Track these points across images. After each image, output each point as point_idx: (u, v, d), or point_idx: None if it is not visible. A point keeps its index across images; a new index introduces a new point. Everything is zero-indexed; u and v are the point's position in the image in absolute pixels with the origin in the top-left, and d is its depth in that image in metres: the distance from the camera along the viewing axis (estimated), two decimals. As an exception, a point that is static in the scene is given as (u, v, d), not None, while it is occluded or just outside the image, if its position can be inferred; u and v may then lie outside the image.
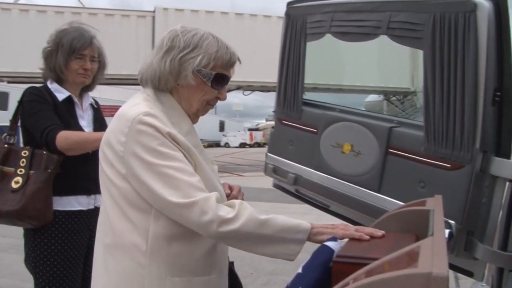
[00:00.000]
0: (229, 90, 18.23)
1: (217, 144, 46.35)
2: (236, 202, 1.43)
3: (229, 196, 1.68)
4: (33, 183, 2.19)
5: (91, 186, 2.35)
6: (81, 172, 2.33)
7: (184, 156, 1.44)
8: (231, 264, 1.74)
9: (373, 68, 18.73)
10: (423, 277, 0.76)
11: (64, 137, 2.22)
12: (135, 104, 1.50)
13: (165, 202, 1.38)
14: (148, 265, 1.45)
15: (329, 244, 1.29)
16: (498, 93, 1.97)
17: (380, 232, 1.38)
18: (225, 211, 1.38)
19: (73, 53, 2.37)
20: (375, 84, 20.10)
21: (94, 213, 2.37)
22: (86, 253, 2.41)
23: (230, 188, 1.74)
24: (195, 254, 1.49)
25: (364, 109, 2.45)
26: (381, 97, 23.67)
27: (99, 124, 2.51)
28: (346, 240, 1.38)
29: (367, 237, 1.37)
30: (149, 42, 18.70)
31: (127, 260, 1.47)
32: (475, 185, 2.03)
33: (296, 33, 2.68)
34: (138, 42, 18.69)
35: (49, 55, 2.39)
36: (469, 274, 2.24)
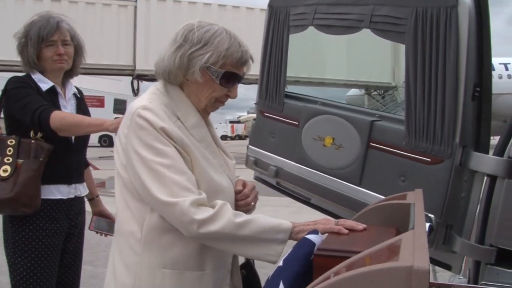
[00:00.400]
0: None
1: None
2: (218, 203, 1.42)
3: (240, 193, 1.64)
4: (25, 171, 2.19)
5: (72, 175, 2.37)
6: (63, 161, 2.34)
7: (177, 151, 1.43)
8: (251, 261, 1.75)
9: (354, 62, 18.82)
10: (404, 270, 0.76)
11: (60, 116, 2.22)
12: (141, 97, 1.54)
13: (152, 198, 1.41)
14: (141, 254, 1.48)
15: (310, 237, 1.29)
16: (478, 89, 1.99)
17: (360, 226, 1.39)
18: (202, 214, 1.38)
19: (43, 42, 2.33)
20: (357, 78, 20.21)
21: (73, 202, 2.40)
22: (64, 241, 2.41)
23: (244, 185, 1.68)
24: (188, 249, 1.49)
25: (345, 103, 2.46)
26: (362, 91, 23.84)
27: (82, 114, 2.49)
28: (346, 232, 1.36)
29: (346, 231, 1.36)
30: (130, 32, 18.45)
31: (125, 247, 1.52)
32: (454, 180, 2.05)
33: (279, 25, 2.66)
34: (119, 32, 18.41)
35: (22, 49, 2.38)
36: (447, 267, 2.27)
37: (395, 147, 2.18)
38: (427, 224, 1.14)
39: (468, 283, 2.05)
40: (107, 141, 29.46)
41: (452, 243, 2.10)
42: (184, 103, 1.54)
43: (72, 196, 2.39)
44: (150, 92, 1.56)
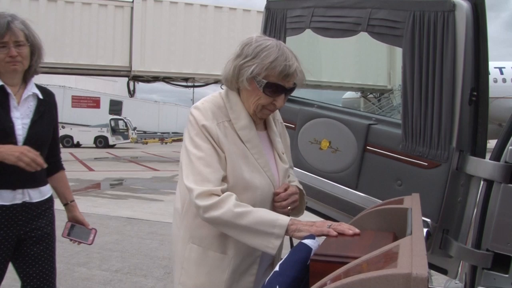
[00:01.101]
0: (207, 84, 18.08)
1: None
2: (225, 194, 1.57)
3: (277, 195, 1.74)
4: None
5: (17, 181, 2.27)
6: (5, 166, 2.21)
7: (213, 147, 1.62)
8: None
9: (351, 65, 18.88)
10: (403, 278, 0.75)
11: None
12: (202, 99, 1.77)
13: (183, 181, 1.63)
14: (179, 228, 1.77)
15: (307, 242, 1.28)
16: (475, 93, 1.99)
17: (351, 230, 1.39)
18: (207, 201, 1.55)
19: None
20: (353, 81, 20.25)
21: (22, 208, 2.30)
22: (18, 247, 2.36)
23: (285, 189, 1.76)
24: (213, 231, 1.68)
25: (342, 106, 2.44)
26: (358, 94, 23.89)
27: (40, 116, 2.38)
28: (324, 238, 1.37)
29: (335, 233, 1.41)
30: (126, 33, 18.40)
31: (174, 221, 1.83)
32: (451, 184, 2.05)
33: (276, 27, 2.65)
34: (115, 32, 18.38)
35: None
36: (444, 271, 2.27)
37: (391, 151, 2.18)
38: (425, 230, 1.13)
39: (465, 287, 2.04)
40: (102, 142, 29.37)
41: (448, 247, 2.09)
42: (238, 107, 1.72)
43: (19, 201, 2.29)
44: (212, 95, 1.77)
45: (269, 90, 1.65)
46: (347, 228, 1.40)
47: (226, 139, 1.65)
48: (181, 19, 18.58)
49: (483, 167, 1.97)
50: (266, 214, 1.55)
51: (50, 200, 2.48)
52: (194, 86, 20.07)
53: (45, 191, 2.44)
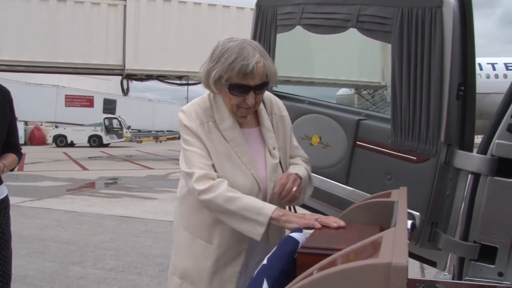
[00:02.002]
0: (198, 83, 18.28)
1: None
2: (219, 179, 1.67)
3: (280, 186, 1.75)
4: None
5: None
6: None
7: (201, 143, 1.74)
8: None
9: (345, 62, 18.91)
10: (383, 267, 0.77)
11: None
12: (190, 102, 1.89)
13: (182, 169, 1.76)
14: (175, 214, 1.93)
15: (294, 235, 1.29)
16: (462, 88, 2.01)
17: (336, 223, 1.41)
18: (202, 185, 1.66)
19: None
20: (347, 77, 20.29)
21: None
22: None
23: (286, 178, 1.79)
24: (201, 219, 1.79)
25: (333, 102, 2.46)
26: (352, 90, 23.96)
27: None
28: (311, 231, 1.39)
29: (319, 225, 1.44)
30: (120, 32, 18.34)
31: (175, 210, 1.95)
32: (439, 178, 2.08)
33: (267, 24, 2.66)
34: (108, 31, 18.32)
35: None
36: (433, 264, 2.30)
37: (381, 145, 2.20)
38: (409, 222, 1.15)
39: (453, 279, 2.07)
40: (96, 141, 29.27)
41: (437, 240, 2.12)
42: (222, 107, 1.79)
43: None
44: (201, 96, 1.86)
45: (234, 91, 1.69)
46: (333, 221, 1.43)
47: (209, 139, 1.74)
48: (175, 17, 18.55)
49: (470, 160, 1.99)
50: (252, 202, 1.62)
51: (6, 200, 2.44)
52: (188, 84, 20.07)
53: (0, 191, 2.41)
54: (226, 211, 1.63)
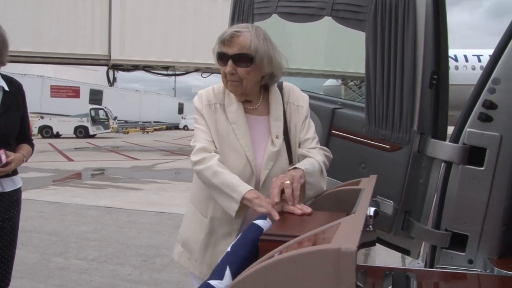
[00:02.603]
0: (188, 72, 17.95)
1: (175, 127, 45.74)
2: (211, 153, 1.78)
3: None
4: None
5: None
6: None
7: (204, 120, 1.86)
8: None
9: (332, 53, 18.88)
10: (334, 252, 0.77)
11: None
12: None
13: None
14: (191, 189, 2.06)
15: (258, 222, 1.29)
16: (435, 77, 2.02)
17: (300, 211, 1.43)
18: (196, 156, 1.78)
19: None
20: (333, 68, 20.26)
21: None
22: None
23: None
24: (201, 194, 1.92)
25: (309, 91, 2.43)
26: (339, 81, 23.99)
27: (6, 109, 2.34)
28: (277, 218, 1.39)
29: (277, 215, 1.46)
30: (105, 22, 18.10)
31: None
32: (412, 166, 2.09)
33: (244, 13, 2.64)
34: (94, 21, 18.08)
35: None
36: (406, 252, 2.31)
37: (356, 134, 2.20)
38: (372, 209, 1.15)
39: (425, 267, 2.09)
40: (82, 132, 29.00)
41: (410, 228, 2.14)
42: (232, 94, 1.90)
43: None
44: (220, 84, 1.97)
45: (218, 60, 1.83)
46: (299, 208, 1.43)
47: (212, 118, 1.86)
48: (161, 7, 18.35)
49: (442, 149, 2.00)
50: (232, 179, 1.70)
51: (18, 192, 2.48)
52: (175, 75, 19.91)
53: (17, 181, 2.46)
54: (212, 185, 1.73)
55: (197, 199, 1.97)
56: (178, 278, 4.27)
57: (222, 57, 1.81)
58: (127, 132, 33.66)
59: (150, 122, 37.87)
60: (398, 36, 1.99)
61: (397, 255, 4.23)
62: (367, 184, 1.42)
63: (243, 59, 1.77)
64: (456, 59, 24.84)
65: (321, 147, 1.96)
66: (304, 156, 1.87)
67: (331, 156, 1.94)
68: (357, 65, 21.30)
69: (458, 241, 1.97)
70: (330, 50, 18.34)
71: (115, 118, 31.09)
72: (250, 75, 1.80)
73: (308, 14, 2.32)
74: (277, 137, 1.86)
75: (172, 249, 2.16)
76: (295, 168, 1.71)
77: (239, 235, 1.30)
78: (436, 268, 1.97)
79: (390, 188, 2.10)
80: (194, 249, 1.95)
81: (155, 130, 36.00)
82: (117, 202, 7.86)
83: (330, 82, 25.39)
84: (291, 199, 1.54)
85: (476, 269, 1.94)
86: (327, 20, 2.34)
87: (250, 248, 1.21)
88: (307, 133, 1.94)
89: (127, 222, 6.49)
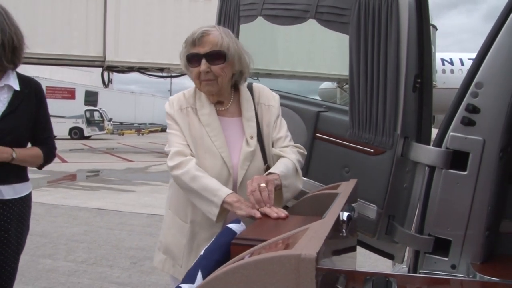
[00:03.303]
0: (182, 74, 17.75)
1: (171, 129, 45.56)
2: (188, 157, 1.77)
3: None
4: None
5: None
6: None
7: (176, 125, 1.87)
8: None
9: (327, 56, 18.88)
10: (294, 258, 0.76)
11: None
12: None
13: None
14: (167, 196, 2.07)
15: (231, 226, 1.28)
16: (419, 80, 2.01)
17: (276, 214, 1.43)
18: (173, 161, 1.77)
19: None
20: (329, 71, 20.26)
21: None
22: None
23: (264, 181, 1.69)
24: (178, 198, 1.91)
25: (294, 94, 2.42)
26: (335, 84, 23.99)
27: (13, 110, 2.25)
28: (251, 222, 1.38)
29: (259, 214, 1.47)
30: (100, 23, 18.06)
31: None
32: (396, 170, 2.07)
33: (230, 15, 2.63)
34: (88, 22, 18.03)
35: None
36: (390, 257, 2.30)
37: (340, 138, 2.19)
38: (345, 214, 1.14)
39: (408, 272, 2.08)
40: (77, 134, 28.91)
41: (393, 233, 2.12)
42: (203, 97, 1.91)
43: None
44: (193, 87, 1.96)
45: (190, 62, 1.83)
46: (274, 211, 1.42)
47: (185, 122, 1.86)
48: (156, 8, 18.33)
49: (425, 153, 1.99)
50: (212, 183, 1.69)
51: (27, 199, 2.35)
52: (170, 77, 19.89)
53: (20, 189, 2.32)
54: (190, 189, 1.72)
55: (174, 205, 1.96)
56: (166, 281, 4.24)
57: (193, 58, 1.82)
58: (122, 134, 33.62)
59: (145, 123, 37.82)
60: (381, 39, 1.99)
61: (387, 259, 4.22)
62: (344, 189, 1.41)
63: (216, 56, 1.79)
64: (451, 63, 24.95)
65: (295, 144, 1.96)
66: (278, 156, 1.87)
67: (305, 153, 1.94)
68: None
69: (442, 246, 1.96)
70: (325, 52, 18.34)
71: (110, 120, 31.04)
72: (224, 72, 1.82)
73: (292, 16, 2.31)
74: (251, 137, 1.87)
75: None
76: (270, 173, 1.71)
77: (213, 239, 1.28)
78: (419, 273, 1.95)
79: (374, 192, 2.09)
80: (177, 255, 1.92)
81: (150, 131, 35.95)
82: (109, 204, 7.82)
83: (325, 85, 25.42)
84: (268, 201, 1.53)
85: (459, 274, 1.93)
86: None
87: (223, 251, 1.19)
88: (280, 131, 1.94)
89: (118, 224, 6.46)
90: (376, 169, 2.09)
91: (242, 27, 2.64)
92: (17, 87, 2.27)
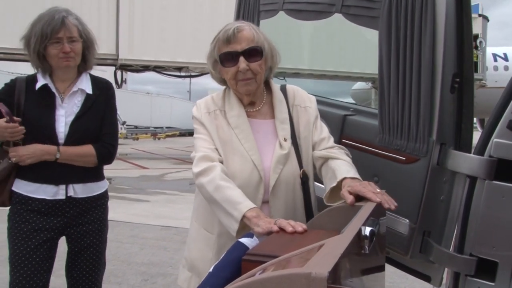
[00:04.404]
0: (203, 74, 17.78)
1: (190, 133, 45.90)
2: (215, 163, 1.81)
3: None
4: None
5: (58, 177, 2.49)
6: (46, 162, 2.46)
7: (204, 129, 1.93)
8: None
9: (360, 53, 18.75)
10: (304, 278, 0.75)
11: None
12: None
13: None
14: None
15: (244, 240, 1.28)
16: (458, 80, 1.97)
17: (292, 228, 1.43)
18: (198, 167, 1.81)
19: (47, 39, 2.43)
20: (362, 70, 20.06)
21: (66, 203, 2.51)
22: (67, 241, 2.62)
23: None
24: (204, 210, 1.94)
25: (320, 96, 2.41)
26: (369, 84, 23.79)
27: (86, 112, 2.54)
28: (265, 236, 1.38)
29: (276, 228, 1.47)
30: (113, 19, 18.31)
31: None
32: (431, 181, 2.03)
33: (249, 10, 2.65)
34: (100, 17, 18.28)
35: (27, 44, 2.51)
36: (427, 278, 2.25)
37: (368, 144, 2.17)
38: (368, 229, 1.12)
39: (445, 296, 2.03)
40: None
41: (429, 252, 2.08)
42: (233, 99, 1.97)
43: (62, 197, 2.51)
44: (222, 89, 2.05)
45: (226, 61, 1.88)
46: (291, 225, 1.42)
47: (213, 125, 1.92)
48: (174, 2, 18.51)
49: (465, 162, 1.95)
50: (234, 194, 1.70)
51: (102, 197, 2.67)
52: (190, 76, 20.03)
53: (94, 187, 2.63)
54: (213, 200, 1.75)
55: (201, 215, 2.00)
56: (180, 300, 4.26)
57: (229, 57, 1.86)
58: (137, 138, 33.97)
59: (162, 127, 38.18)
60: (414, 34, 1.95)
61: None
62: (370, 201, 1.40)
63: (254, 53, 1.85)
64: (506, 58, 24.25)
65: (339, 146, 2.00)
66: (324, 158, 1.91)
67: (350, 156, 1.96)
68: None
69: (486, 268, 1.90)
70: (358, 50, 18.20)
71: (123, 123, 31.41)
72: (262, 68, 1.89)
73: (316, 11, 2.31)
74: (285, 140, 1.91)
75: (177, 267, 2.19)
76: (353, 178, 1.74)
77: (223, 254, 1.29)
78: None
79: (406, 205, 2.06)
80: (202, 271, 1.90)
81: (168, 136, 36.27)
82: (120, 215, 7.91)
83: (358, 85, 25.23)
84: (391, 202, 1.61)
85: None
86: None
87: (232, 268, 1.20)
88: (322, 132, 1.99)
89: (130, 237, 6.53)
90: (408, 179, 2.05)
91: (263, 22, 2.65)
92: (89, 90, 2.59)
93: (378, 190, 1.65)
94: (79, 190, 2.56)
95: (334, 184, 1.77)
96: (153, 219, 7.68)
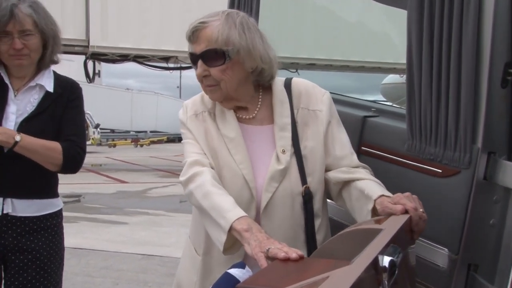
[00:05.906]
0: (191, 66, 18.10)
1: (180, 139, 45.81)
2: (204, 168, 1.87)
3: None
4: None
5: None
6: None
7: (191, 133, 2.02)
8: None
9: (392, 41, 18.76)
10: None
11: None
12: None
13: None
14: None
15: (233, 271, 1.29)
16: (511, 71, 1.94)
17: (284, 254, 1.40)
18: (185, 174, 1.89)
19: None
20: (395, 60, 20.02)
21: (3, 221, 2.50)
22: (5, 267, 2.58)
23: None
24: (196, 222, 2.05)
25: (335, 93, 2.40)
26: (403, 77, 23.84)
27: (41, 112, 2.58)
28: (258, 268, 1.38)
29: (263, 262, 1.44)
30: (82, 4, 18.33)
31: None
32: (477, 199, 2.01)
33: None
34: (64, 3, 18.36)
35: None
36: None
37: (394, 152, 2.17)
38: (387, 259, 1.10)
39: None
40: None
41: None
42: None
43: None
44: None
45: (192, 63, 1.95)
46: (285, 251, 1.41)
47: (200, 130, 2.00)
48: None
49: None
50: (224, 201, 1.73)
51: (51, 217, 2.66)
52: (178, 69, 20.10)
53: (41, 206, 2.62)
54: (201, 209, 1.79)
55: (193, 230, 2.11)
56: None
57: (192, 59, 1.95)
58: (114, 145, 34.12)
59: (145, 131, 38.31)
60: (453, 15, 1.93)
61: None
62: (392, 223, 1.39)
63: (212, 56, 1.87)
64: None
65: (364, 165, 2.03)
66: (345, 182, 1.94)
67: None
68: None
69: None
70: (389, 35, 18.23)
71: (96, 126, 31.53)
72: (226, 75, 1.89)
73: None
74: (283, 152, 1.92)
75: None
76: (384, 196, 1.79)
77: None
78: None
79: (444, 229, 2.04)
80: None
81: (152, 142, 36.41)
82: (89, 241, 7.94)
83: (390, 78, 25.33)
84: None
85: None
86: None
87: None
88: (342, 147, 2.00)
89: (101, 269, 6.55)
90: (446, 197, 2.03)
91: (270, 6, 2.66)
92: (50, 88, 2.63)
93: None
94: (20, 207, 2.53)
95: (372, 205, 1.79)
96: (131, 246, 7.71)
